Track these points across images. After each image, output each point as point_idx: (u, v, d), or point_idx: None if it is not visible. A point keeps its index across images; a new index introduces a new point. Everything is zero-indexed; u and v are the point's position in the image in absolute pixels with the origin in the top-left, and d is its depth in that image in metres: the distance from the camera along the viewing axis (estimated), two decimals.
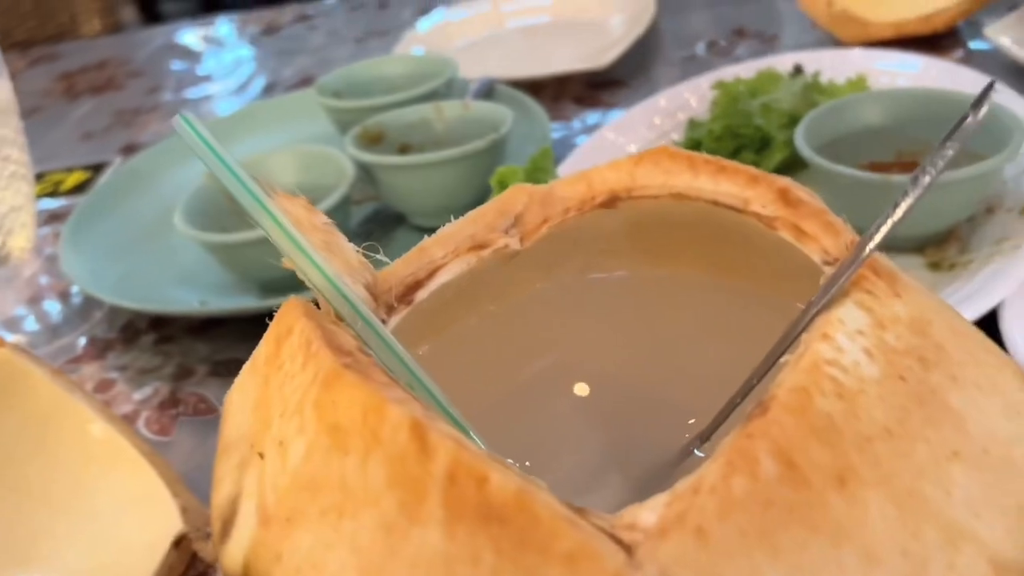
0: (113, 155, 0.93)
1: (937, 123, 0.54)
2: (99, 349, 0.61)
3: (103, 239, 0.69)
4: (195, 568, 0.42)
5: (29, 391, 0.43)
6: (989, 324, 0.43)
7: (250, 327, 0.47)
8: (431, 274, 0.33)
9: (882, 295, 0.25)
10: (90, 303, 0.65)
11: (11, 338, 0.59)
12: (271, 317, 0.27)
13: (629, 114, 0.67)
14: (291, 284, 0.30)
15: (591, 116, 0.79)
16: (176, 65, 1.19)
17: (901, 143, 0.56)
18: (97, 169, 0.90)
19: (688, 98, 0.69)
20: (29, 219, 0.59)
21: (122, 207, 0.74)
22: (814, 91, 0.62)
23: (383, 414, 0.22)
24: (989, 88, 0.25)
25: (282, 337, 0.26)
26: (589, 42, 0.90)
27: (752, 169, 0.31)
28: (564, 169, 0.62)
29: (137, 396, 0.55)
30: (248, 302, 0.58)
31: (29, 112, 1.07)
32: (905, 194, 0.26)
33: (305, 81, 1.01)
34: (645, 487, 0.30)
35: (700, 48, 0.87)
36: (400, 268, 0.32)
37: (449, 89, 0.72)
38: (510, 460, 0.21)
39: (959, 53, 0.76)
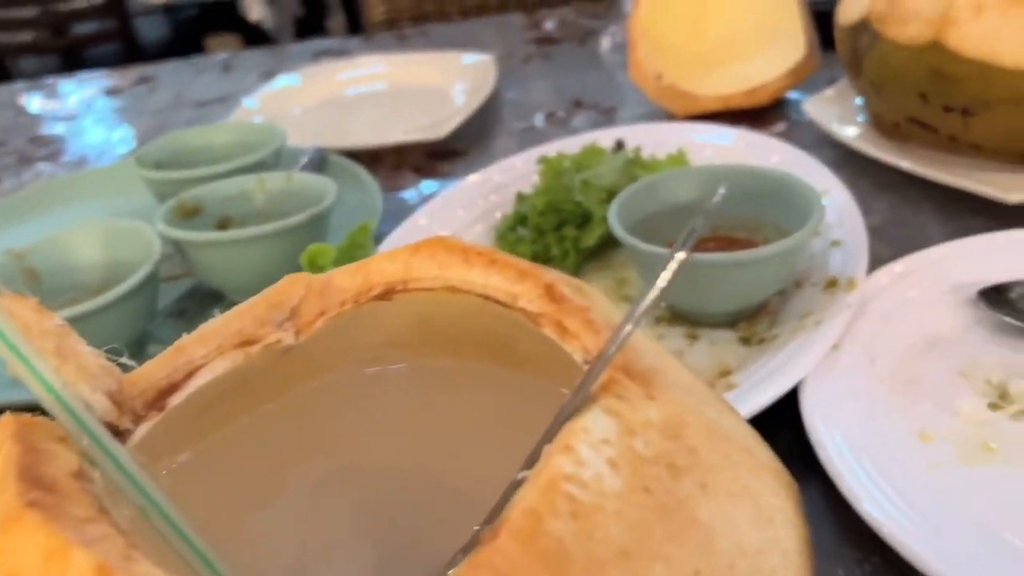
0: None
1: (750, 198, 0.56)
2: None
3: None
4: None
5: None
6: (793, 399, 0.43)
7: None
8: (189, 375, 0.30)
9: (634, 398, 0.24)
10: None
11: None
12: None
13: (443, 197, 0.66)
14: None
15: (429, 186, 0.78)
16: (14, 124, 1.12)
17: (718, 217, 0.57)
18: None
19: (519, 171, 0.68)
20: None
21: None
22: (635, 166, 0.63)
23: (67, 559, 0.19)
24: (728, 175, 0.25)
25: None
26: (430, 111, 0.90)
27: (522, 263, 0.30)
28: (387, 245, 0.61)
29: None
30: None
31: None
32: (650, 285, 0.25)
33: (143, 145, 0.97)
34: None
35: (539, 119, 0.88)
36: (152, 371, 0.30)
37: (277, 159, 0.70)
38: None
39: (782, 126, 0.79)
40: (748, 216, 0.56)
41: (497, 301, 0.29)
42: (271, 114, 0.91)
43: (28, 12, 2.36)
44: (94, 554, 0.19)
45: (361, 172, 0.72)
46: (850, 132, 0.70)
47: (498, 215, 0.66)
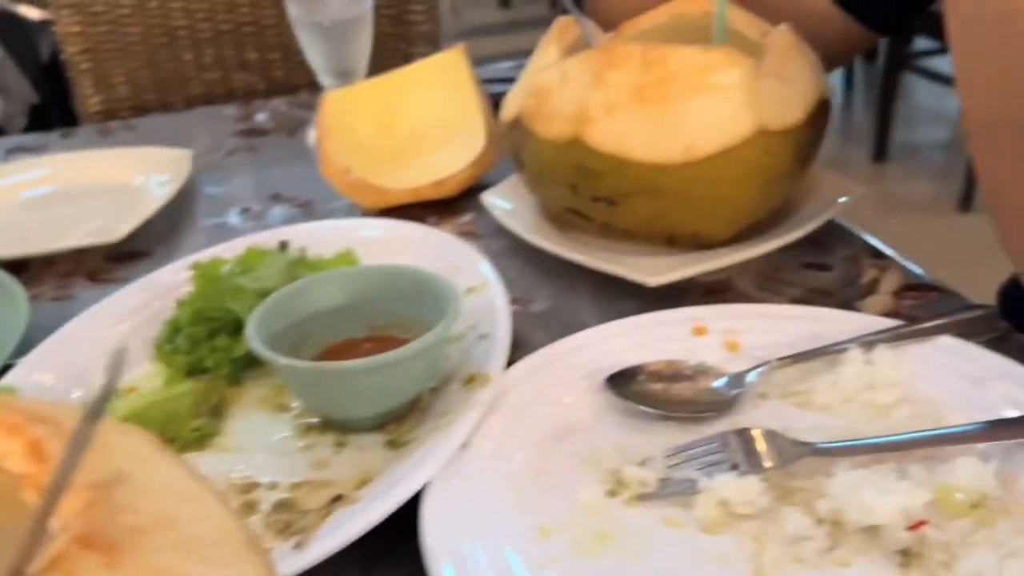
0: None
1: (401, 296, 0.56)
2: None
3: None
4: None
5: None
6: None
7: None
8: None
9: (89, 572, 0.22)
10: None
11: None
12: None
13: (99, 307, 0.63)
14: None
15: (103, 293, 0.73)
16: None
17: (372, 317, 0.56)
18: None
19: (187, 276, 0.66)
20: None
21: None
22: (300, 266, 0.62)
23: None
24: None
25: None
26: (114, 211, 0.85)
27: (16, 415, 0.27)
28: (27, 363, 0.56)
29: None
30: None
31: None
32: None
33: None
34: None
35: (234, 214, 0.86)
36: None
37: None
38: None
39: (470, 215, 0.81)
40: (400, 314, 0.56)
41: None
42: None
43: None
44: None
45: (9, 282, 0.66)
46: (522, 221, 0.73)
47: (163, 322, 0.63)
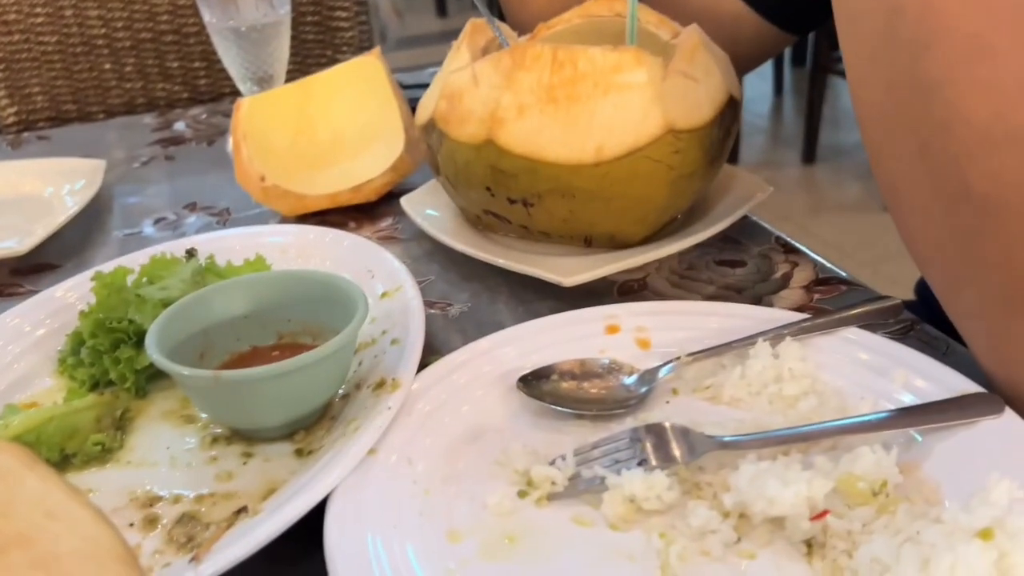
0: None
1: (308, 302, 0.55)
2: None
3: None
4: None
5: None
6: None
7: None
8: None
9: None
10: None
11: None
12: None
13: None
14: None
15: (7, 306, 0.70)
16: None
17: (280, 324, 0.55)
18: None
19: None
20: None
21: None
22: (208, 274, 0.61)
23: None
24: None
25: None
26: (22, 223, 0.82)
27: None
28: None
29: None
30: None
31: None
32: None
33: None
34: None
35: (148, 225, 0.84)
36: None
37: None
38: None
39: (389, 220, 0.80)
40: (308, 321, 0.55)
41: None
42: None
43: None
44: None
45: None
46: (441, 225, 0.72)
47: (66, 335, 0.60)
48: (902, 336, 0.56)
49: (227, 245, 0.67)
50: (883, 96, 0.46)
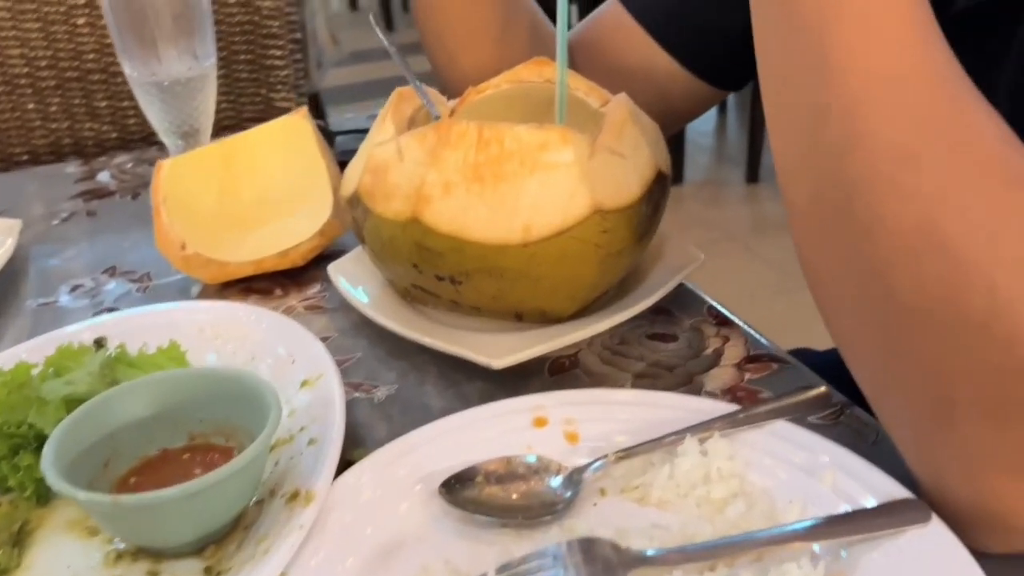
0: None
1: (220, 401, 0.52)
2: None
3: None
4: None
5: None
6: None
7: None
8: None
9: None
10: None
11: None
12: None
13: None
14: None
15: None
16: None
17: (190, 425, 0.53)
18: None
19: None
20: None
21: None
22: (120, 365, 0.58)
23: None
24: None
25: None
26: None
27: None
28: None
29: None
30: None
31: None
32: None
33: None
34: None
35: (64, 293, 0.80)
36: None
37: None
38: None
39: (316, 287, 0.78)
40: (220, 420, 0.52)
41: None
42: None
43: None
44: None
45: None
46: (369, 296, 0.70)
47: None
48: (833, 422, 0.55)
49: (140, 325, 0.64)
50: (809, 196, 0.45)
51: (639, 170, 0.63)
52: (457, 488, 0.49)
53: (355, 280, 0.72)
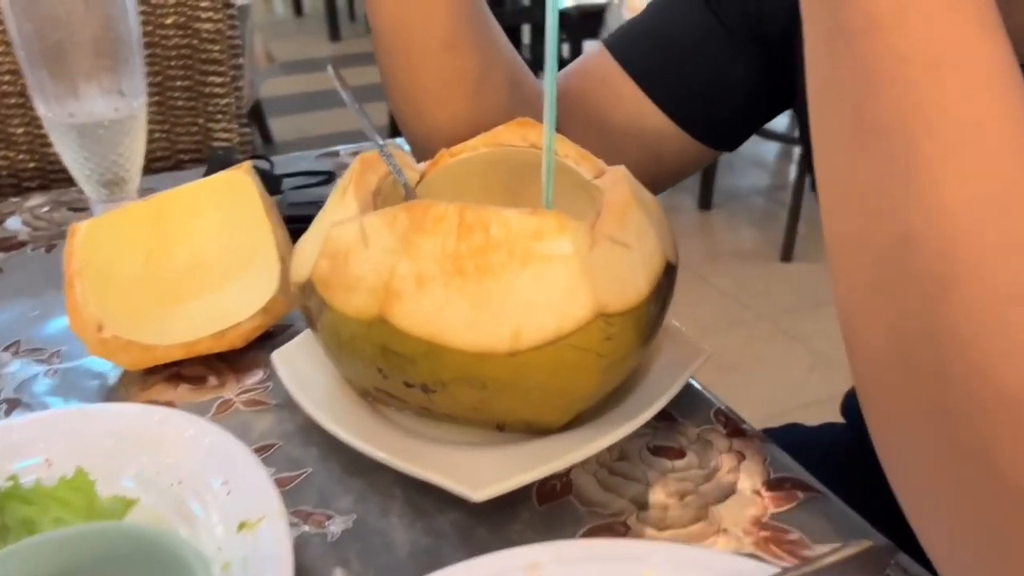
0: None
1: (128, 564, 0.42)
2: None
3: None
4: None
5: None
6: None
7: None
8: None
9: None
10: None
11: None
12: None
13: None
14: None
15: None
16: None
17: None
18: None
19: None
20: None
21: None
22: (12, 501, 0.47)
23: None
24: None
25: None
26: None
27: None
28: None
29: None
30: None
31: None
32: None
33: None
34: None
35: None
36: None
37: None
38: None
39: (259, 374, 0.67)
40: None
41: None
42: None
43: None
44: None
45: None
46: (322, 393, 0.60)
47: None
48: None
49: (39, 435, 0.53)
50: (884, 339, 0.36)
51: (646, 262, 0.53)
52: None
53: (304, 373, 0.62)
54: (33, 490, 0.48)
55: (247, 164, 0.72)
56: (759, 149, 3.87)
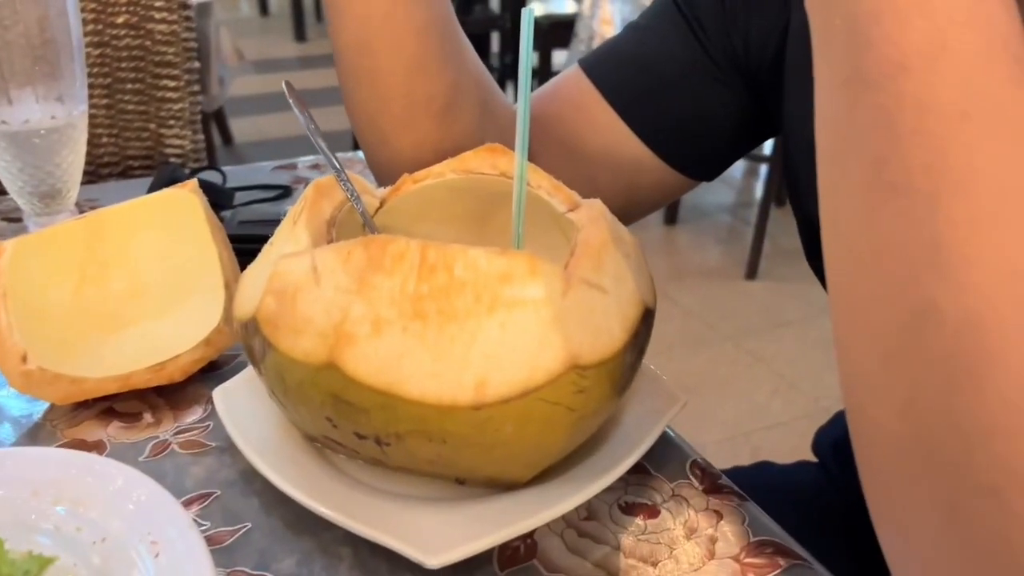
0: None
1: None
2: None
3: None
4: None
5: None
6: None
7: None
8: None
9: None
10: None
11: None
12: None
13: None
14: None
15: None
16: None
17: None
18: None
19: None
20: None
21: None
22: None
23: None
24: None
25: None
26: None
27: None
28: None
29: None
30: None
31: None
32: None
33: None
34: None
35: None
36: None
37: None
38: None
39: (199, 411, 0.62)
40: None
41: None
42: None
43: None
44: None
45: None
46: (266, 439, 0.55)
47: None
48: None
49: None
50: (897, 420, 0.32)
51: (622, 308, 0.49)
52: None
53: (248, 413, 0.57)
54: None
55: (193, 182, 0.66)
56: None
